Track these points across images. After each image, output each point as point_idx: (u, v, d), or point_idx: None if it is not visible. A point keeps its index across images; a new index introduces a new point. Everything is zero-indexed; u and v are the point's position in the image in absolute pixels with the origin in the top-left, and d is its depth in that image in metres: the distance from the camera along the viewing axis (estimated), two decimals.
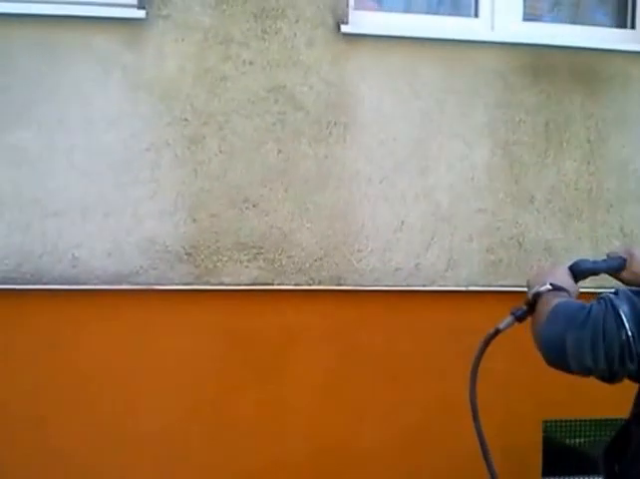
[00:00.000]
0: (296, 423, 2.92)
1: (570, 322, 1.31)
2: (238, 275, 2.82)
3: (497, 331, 1.64)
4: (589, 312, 1.30)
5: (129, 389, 2.80)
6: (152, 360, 2.81)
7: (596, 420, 3.25)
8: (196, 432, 2.84)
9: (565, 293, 1.49)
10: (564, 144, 3.09)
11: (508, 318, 1.64)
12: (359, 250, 2.91)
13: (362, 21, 2.94)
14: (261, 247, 2.83)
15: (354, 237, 2.91)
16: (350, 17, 2.89)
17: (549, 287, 1.51)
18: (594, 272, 1.74)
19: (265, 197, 2.83)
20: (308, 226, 2.87)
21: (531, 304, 1.59)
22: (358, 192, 2.91)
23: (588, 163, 3.12)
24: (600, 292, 1.34)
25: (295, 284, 2.86)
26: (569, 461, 3.33)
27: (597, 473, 3.23)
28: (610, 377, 1.30)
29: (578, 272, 1.72)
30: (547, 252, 3.09)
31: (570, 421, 3.26)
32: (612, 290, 1.39)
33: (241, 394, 2.88)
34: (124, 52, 2.73)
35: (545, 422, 3.13)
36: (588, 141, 3.11)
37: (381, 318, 2.97)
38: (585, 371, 1.31)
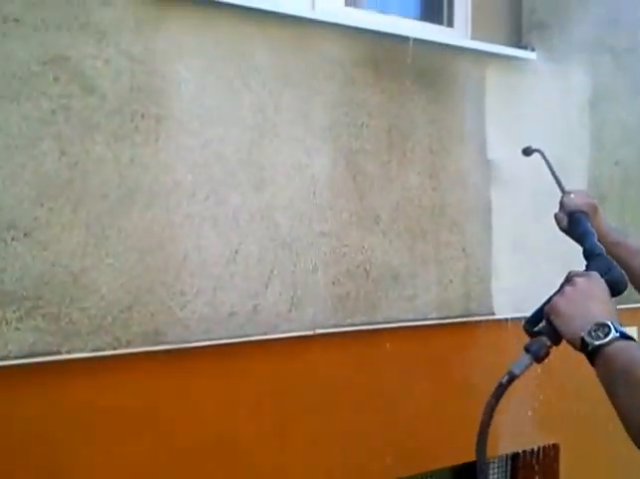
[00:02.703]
0: None
1: None
2: (5, 344, 1.82)
3: (513, 377, 1.29)
4: None
5: None
6: None
7: (448, 469, 2.84)
8: None
9: (634, 343, 1.16)
10: (408, 153, 2.62)
11: (525, 359, 1.29)
12: (182, 293, 2.09)
13: None
14: (39, 298, 1.87)
15: (174, 274, 2.08)
16: None
17: (617, 335, 1.16)
18: None
19: (42, 221, 1.88)
20: (109, 261, 1.98)
21: (556, 334, 1.25)
22: (177, 211, 2.09)
23: (431, 176, 2.68)
24: None
25: (93, 350, 1.95)
26: None
27: None
28: None
29: (622, 288, 1.27)
30: (395, 281, 2.59)
31: (423, 474, 2.80)
32: None
33: None
34: None
35: None
36: (431, 151, 2.68)
37: (213, 383, 2.18)
38: None
